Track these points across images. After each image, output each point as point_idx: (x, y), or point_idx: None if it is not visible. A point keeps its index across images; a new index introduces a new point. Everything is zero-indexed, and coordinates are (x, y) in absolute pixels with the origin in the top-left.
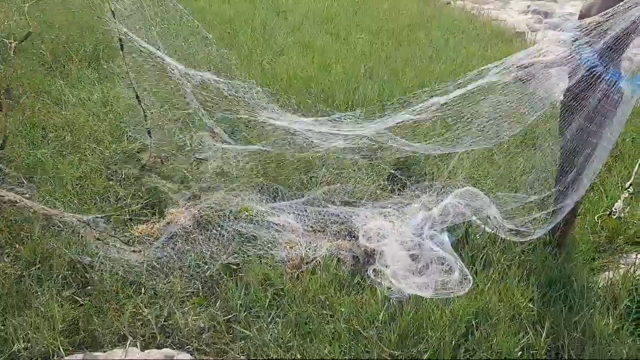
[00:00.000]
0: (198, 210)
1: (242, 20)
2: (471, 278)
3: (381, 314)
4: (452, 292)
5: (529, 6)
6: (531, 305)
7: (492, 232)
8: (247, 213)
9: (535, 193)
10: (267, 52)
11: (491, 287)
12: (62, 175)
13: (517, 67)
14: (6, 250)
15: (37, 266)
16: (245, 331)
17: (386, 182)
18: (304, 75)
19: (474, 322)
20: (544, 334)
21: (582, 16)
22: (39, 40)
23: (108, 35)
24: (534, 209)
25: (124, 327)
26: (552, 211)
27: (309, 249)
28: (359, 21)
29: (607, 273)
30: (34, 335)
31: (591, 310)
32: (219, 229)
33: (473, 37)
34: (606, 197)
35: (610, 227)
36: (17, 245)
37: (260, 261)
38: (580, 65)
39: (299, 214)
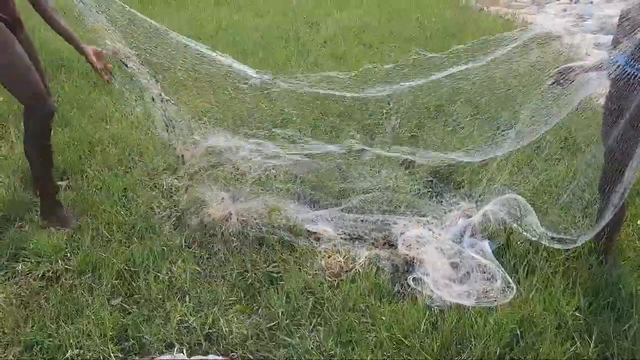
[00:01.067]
0: (237, 219)
1: (275, 32)
2: (514, 286)
3: (423, 323)
4: (494, 301)
5: (565, 9)
6: (578, 314)
7: (534, 239)
8: (277, 213)
9: (579, 200)
10: (301, 64)
11: (535, 295)
12: (109, 186)
13: (555, 71)
14: (59, 258)
15: (88, 275)
16: (288, 339)
17: (424, 190)
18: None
19: (518, 331)
20: (592, 344)
21: (621, 19)
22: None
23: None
24: (577, 216)
25: (171, 334)
26: (596, 218)
27: (347, 257)
28: (392, 30)
29: None
30: (86, 342)
31: None
32: (259, 237)
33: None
34: None
35: None
36: (69, 255)
37: (300, 269)
38: (619, 67)
39: (336, 222)
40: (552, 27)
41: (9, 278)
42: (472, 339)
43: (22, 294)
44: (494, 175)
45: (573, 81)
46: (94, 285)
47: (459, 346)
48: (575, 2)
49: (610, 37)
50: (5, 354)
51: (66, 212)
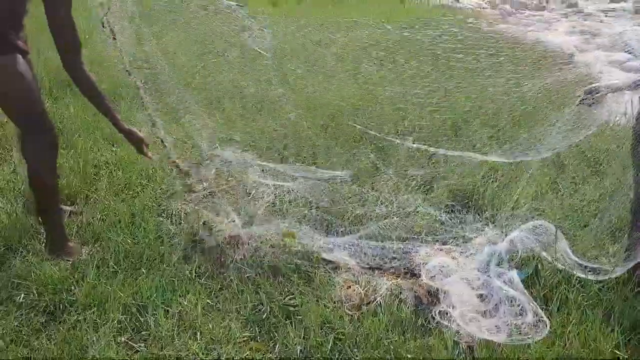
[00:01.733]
0: (250, 246)
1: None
2: (547, 320)
3: None
4: (528, 337)
5: (574, 27)
6: (617, 352)
7: (565, 268)
8: (291, 239)
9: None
10: (313, 81)
11: (571, 330)
12: (115, 213)
13: (584, 91)
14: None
15: (93, 310)
16: None
17: (445, 216)
18: (351, 102)
19: None
20: None
21: None
22: None
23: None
24: (607, 243)
25: None
26: (627, 245)
27: (368, 288)
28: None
29: None
30: None
31: None
32: (274, 267)
33: (521, 60)
34: None
35: None
36: (73, 287)
37: (318, 302)
38: None
39: (354, 250)
40: (564, 44)
41: (9, 313)
42: None
43: (22, 331)
44: (519, 198)
45: (600, 101)
46: (99, 321)
47: None
48: (585, 20)
49: (623, 54)
50: None
51: (72, 242)
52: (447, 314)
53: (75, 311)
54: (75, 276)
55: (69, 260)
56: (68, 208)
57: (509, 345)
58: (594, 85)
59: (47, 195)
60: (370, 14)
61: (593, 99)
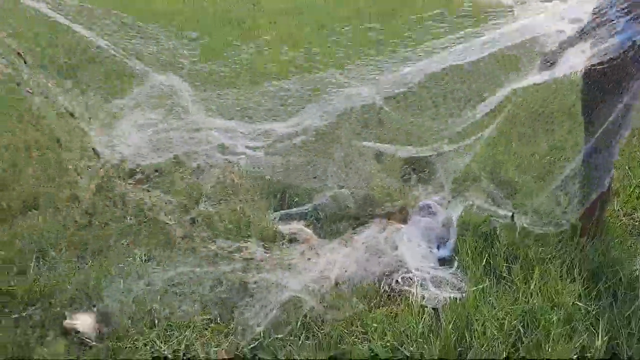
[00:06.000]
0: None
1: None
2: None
3: (420, 326)
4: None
5: None
6: (579, 303)
7: (521, 223)
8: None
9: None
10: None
11: (534, 286)
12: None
13: (544, 58)
14: None
15: (37, 306)
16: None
17: (401, 182)
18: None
19: (521, 329)
20: (599, 336)
21: None
22: None
23: None
24: (559, 195)
25: None
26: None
27: (327, 258)
28: (337, 9)
29: None
30: None
31: None
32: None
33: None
34: (632, 175)
35: None
36: (12, 284)
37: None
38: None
39: (309, 220)
40: None
41: None
42: (474, 340)
43: None
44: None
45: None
46: (47, 317)
47: (461, 349)
48: None
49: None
50: None
51: None
52: (410, 279)
53: (17, 309)
54: (15, 269)
55: None
56: None
57: (474, 303)
58: (553, 49)
59: None
60: None
61: (554, 59)
